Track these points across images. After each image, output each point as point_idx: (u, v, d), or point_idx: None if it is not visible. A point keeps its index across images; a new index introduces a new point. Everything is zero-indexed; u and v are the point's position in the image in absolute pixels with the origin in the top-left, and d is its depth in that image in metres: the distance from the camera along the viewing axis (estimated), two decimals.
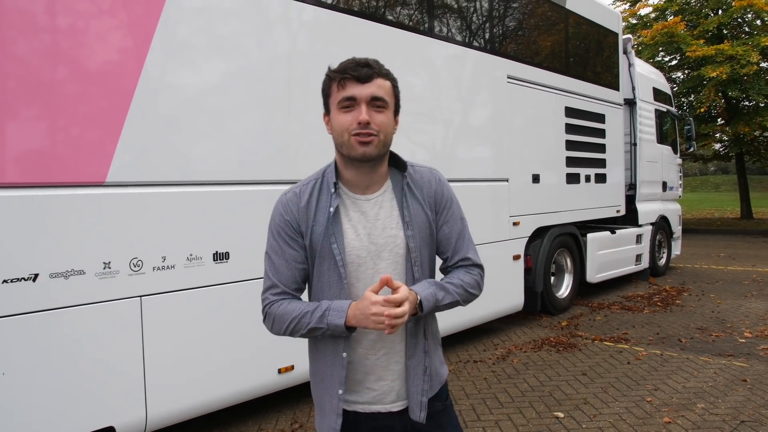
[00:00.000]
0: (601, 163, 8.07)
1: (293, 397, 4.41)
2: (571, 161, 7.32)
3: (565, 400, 4.36)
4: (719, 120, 19.27)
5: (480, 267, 1.79)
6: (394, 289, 1.51)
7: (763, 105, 16.97)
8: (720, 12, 18.02)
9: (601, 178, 8.03)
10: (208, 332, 3.63)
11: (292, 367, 4.05)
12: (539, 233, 6.81)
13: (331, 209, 1.62)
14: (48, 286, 2.97)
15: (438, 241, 1.75)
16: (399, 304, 1.49)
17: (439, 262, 1.82)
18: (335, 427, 1.64)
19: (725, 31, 18.40)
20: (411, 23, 5.13)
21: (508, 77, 6.18)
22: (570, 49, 7.54)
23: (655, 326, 6.49)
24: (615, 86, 8.53)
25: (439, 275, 1.78)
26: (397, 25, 4.93)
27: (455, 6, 5.73)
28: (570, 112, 7.32)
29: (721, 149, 20.35)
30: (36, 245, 2.94)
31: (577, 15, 7.61)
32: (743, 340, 5.84)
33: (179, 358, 3.50)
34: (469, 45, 5.74)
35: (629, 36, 9.49)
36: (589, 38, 8.06)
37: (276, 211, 1.70)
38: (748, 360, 5.19)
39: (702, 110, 17.12)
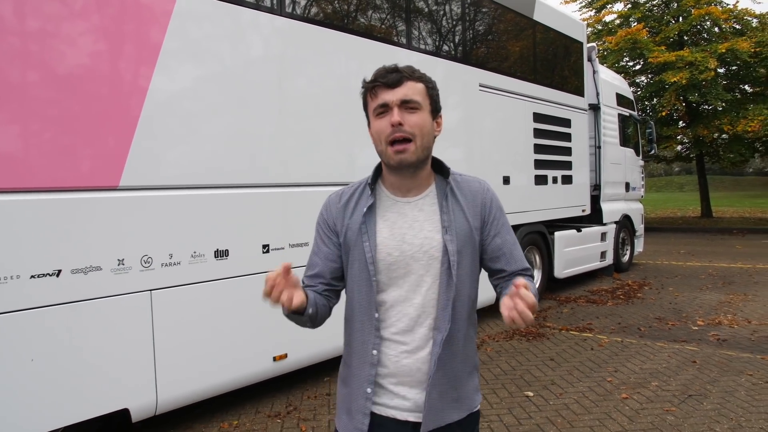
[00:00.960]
0: (568, 165, 8.56)
1: (286, 383, 4.77)
2: (539, 164, 7.79)
3: (535, 381, 4.80)
4: (681, 123, 20.09)
5: (532, 274, 1.78)
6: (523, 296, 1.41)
7: (720, 109, 17.78)
8: (681, 19, 18.80)
9: (567, 180, 8.52)
10: (210, 323, 3.97)
11: (286, 356, 4.41)
12: None
13: (365, 208, 1.64)
14: (70, 280, 3.29)
15: (490, 252, 1.72)
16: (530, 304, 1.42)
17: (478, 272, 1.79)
18: (362, 429, 1.62)
19: (686, 38, 19.22)
20: (390, 35, 5.52)
21: (480, 85, 6.62)
22: (537, 58, 8.01)
23: (617, 317, 6.99)
24: (580, 92, 9.05)
25: (483, 285, 1.76)
26: (379, 38, 5.31)
27: (430, 18, 6.14)
28: (538, 117, 7.79)
29: (682, 151, 21.19)
30: (59, 244, 3.25)
31: (544, 26, 8.10)
32: (696, 328, 6.36)
33: (185, 348, 3.83)
34: (443, 55, 6.16)
35: (593, 45, 10.03)
36: (556, 47, 8.55)
37: (321, 209, 1.77)
38: (698, 345, 5.69)
39: (663, 114, 17.89)
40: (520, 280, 1.40)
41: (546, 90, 8.00)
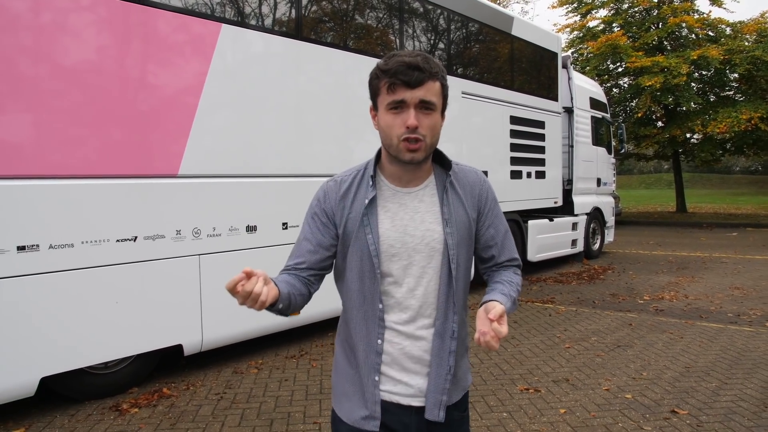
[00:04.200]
0: (541, 162, 9.71)
1: (298, 334, 5.90)
2: (515, 160, 8.93)
3: None
4: (658, 123, 21.29)
5: (520, 265, 1.84)
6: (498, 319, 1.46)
7: (693, 111, 19.00)
8: (660, 26, 19.97)
9: (541, 175, 9.67)
10: None
11: (299, 312, 5.52)
12: None
13: (367, 200, 1.63)
14: (143, 244, 4.40)
15: (483, 241, 1.76)
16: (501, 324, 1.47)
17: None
18: (376, 416, 1.65)
19: (665, 43, 20.41)
20: (384, 50, 6.63)
21: (462, 93, 7.74)
22: (515, 68, 9.15)
23: (577, 293, 8.16)
24: (554, 98, 10.18)
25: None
26: (373, 54, 6.41)
27: (418, 33, 7.25)
28: (514, 120, 8.92)
29: (659, 150, 22.41)
30: (136, 217, 4.36)
31: (521, 39, 9.23)
32: (641, 301, 7.53)
33: (224, 300, 4.92)
34: None
35: (568, 54, 11.16)
36: (532, 58, 9.68)
37: (316, 196, 1.73)
38: (639, 314, 6.86)
39: (639, 115, 19.08)
40: (497, 310, 1.46)
41: (522, 96, 9.13)
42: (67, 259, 3.98)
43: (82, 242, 4.07)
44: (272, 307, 1.55)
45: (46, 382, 3.97)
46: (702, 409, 4.00)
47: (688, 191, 33.79)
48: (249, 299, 1.41)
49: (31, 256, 3.82)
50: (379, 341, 1.65)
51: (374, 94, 1.62)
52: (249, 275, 1.42)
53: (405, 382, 1.65)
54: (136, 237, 4.37)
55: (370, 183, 1.65)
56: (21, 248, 3.77)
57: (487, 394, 4.35)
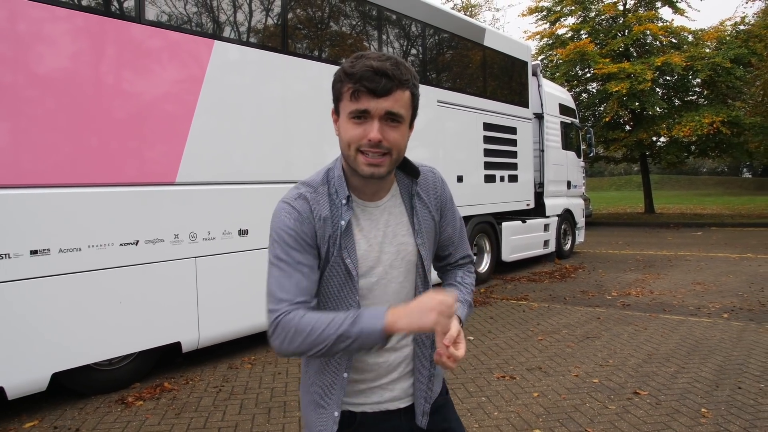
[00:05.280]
0: (514, 166, 10.15)
1: None
2: (488, 165, 9.35)
3: (476, 331, 6.33)
4: (626, 127, 22.03)
5: (473, 260, 1.81)
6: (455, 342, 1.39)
7: (658, 115, 19.75)
8: (625, 33, 20.71)
9: (513, 178, 10.12)
10: (236, 282, 5.38)
11: None
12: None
13: (343, 222, 1.50)
14: (144, 248, 4.69)
15: (441, 241, 1.71)
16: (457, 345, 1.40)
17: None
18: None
19: (632, 50, 21.15)
20: None
21: (438, 101, 8.14)
22: (487, 77, 9.59)
23: (550, 291, 8.60)
24: (525, 104, 10.65)
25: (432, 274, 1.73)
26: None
27: (396, 44, 7.63)
28: (487, 126, 9.36)
29: (627, 152, 23.18)
30: (136, 222, 4.65)
31: (493, 50, 9.67)
32: (610, 297, 7.99)
33: (218, 299, 5.25)
34: None
35: (538, 62, 11.67)
36: (503, 67, 10.13)
37: (288, 217, 1.50)
38: (607, 308, 7.31)
39: (607, 119, 19.78)
40: (452, 335, 1.35)
41: (494, 103, 9.58)
42: (75, 262, 4.26)
43: (89, 246, 4.35)
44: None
45: (56, 378, 4.24)
46: (661, 390, 4.42)
47: (658, 192, 34.69)
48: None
49: (43, 259, 4.09)
50: (345, 375, 1.55)
51: (336, 98, 1.48)
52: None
53: (390, 389, 1.61)
54: (137, 241, 4.66)
55: (344, 203, 1.51)
56: (33, 252, 4.05)
57: (467, 382, 4.72)
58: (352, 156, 1.45)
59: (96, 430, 3.97)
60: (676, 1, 20.56)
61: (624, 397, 4.32)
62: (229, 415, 4.18)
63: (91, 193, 4.38)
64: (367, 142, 1.41)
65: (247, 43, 5.54)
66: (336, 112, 1.50)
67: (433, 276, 1.71)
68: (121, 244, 4.55)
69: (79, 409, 4.33)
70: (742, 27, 20.63)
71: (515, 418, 4.01)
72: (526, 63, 10.74)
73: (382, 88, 1.38)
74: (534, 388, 4.56)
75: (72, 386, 4.50)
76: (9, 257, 3.94)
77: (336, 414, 1.55)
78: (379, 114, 1.40)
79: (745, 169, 66.72)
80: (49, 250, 4.13)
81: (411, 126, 1.52)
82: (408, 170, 1.62)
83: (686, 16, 20.88)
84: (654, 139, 20.81)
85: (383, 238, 1.56)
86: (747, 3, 34.06)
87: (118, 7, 4.58)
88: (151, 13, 4.76)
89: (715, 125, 17.91)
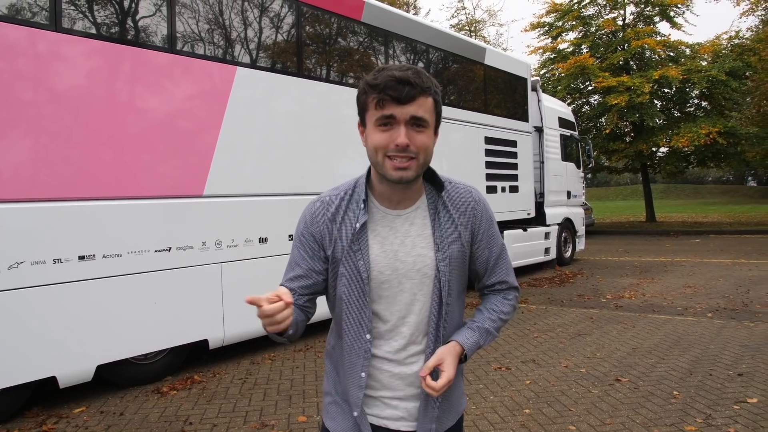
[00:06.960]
0: (514, 177, 10.68)
1: (305, 331, 6.71)
2: (490, 176, 9.88)
3: None
4: (627, 138, 22.54)
5: (516, 289, 1.77)
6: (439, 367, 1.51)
7: (657, 127, 20.27)
8: (625, 47, 21.27)
9: (514, 189, 10.64)
10: (258, 285, 5.89)
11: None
12: None
13: (357, 224, 1.55)
14: (175, 254, 5.24)
15: (478, 264, 1.70)
16: (437, 375, 1.47)
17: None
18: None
19: (632, 63, 21.71)
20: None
21: (442, 117, 8.65)
22: (488, 94, 10.14)
23: (548, 295, 9.09)
24: (525, 119, 11.19)
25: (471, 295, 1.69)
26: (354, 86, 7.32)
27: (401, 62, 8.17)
28: (488, 140, 9.90)
29: (628, 163, 23.67)
30: (169, 230, 5.20)
31: (494, 68, 10.24)
32: (604, 300, 8.48)
33: (241, 302, 5.76)
34: None
35: (537, 78, 12.20)
36: (503, 84, 10.69)
37: (302, 219, 1.66)
38: (600, 309, 7.80)
39: (607, 131, 20.32)
40: (429, 362, 1.52)
41: (495, 118, 10.12)
42: (117, 267, 4.82)
43: (128, 252, 4.91)
44: (282, 334, 1.50)
45: (99, 370, 4.78)
46: (640, 378, 4.91)
47: (663, 201, 34.95)
48: (270, 319, 1.37)
49: (89, 264, 4.65)
50: (363, 374, 1.60)
51: (362, 110, 1.54)
52: (279, 299, 1.37)
53: (394, 406, 1.62)
54: (170, 248, 5.21)
55: (362, 206, 1.57)
56: (81, 258, 4.61)
57: (467, 372, 5.23)
58: (380, 162, 1.50)
59: (138, 413, 4.50)
60: (674, 16, 21.16)
61: (606, 383, 4.82)
62: (254, 401, 4.70)
63: (130, 206, 4.93)
64: (395, 147, 1.45)
65: (266, 69, 6.11)
66: (362, 123, 1.56)
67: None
68: (156, 251, 5.10)
69: (120, 398, 4.86)
70: (736, 41, 21.19)
71: (508, 401, 4.52)
72: (525, 79, 11.29)
73: (405, 96, 1.44)
74: (527, 377, 5.06)
75: (112, 378, 5.03)
76: (61, 262, 4.51)
77: (355, 414, 1.62)
78: (404, 119, 1.45)
79: (750, 178, 67.03)
80: (94, 255, 4.68)
81: (436, 132, 1.57)
82: (435, 183, 1.65)
83: (683, 31, 21.36)
84: (654, 149, 21.31)
85: (400, 246, 1.58)
86: (741, 17, 34.59)
87: (161, 43, 5.17)
88: (179, 44, 5.34)
89: (711, 136, 18.39)
